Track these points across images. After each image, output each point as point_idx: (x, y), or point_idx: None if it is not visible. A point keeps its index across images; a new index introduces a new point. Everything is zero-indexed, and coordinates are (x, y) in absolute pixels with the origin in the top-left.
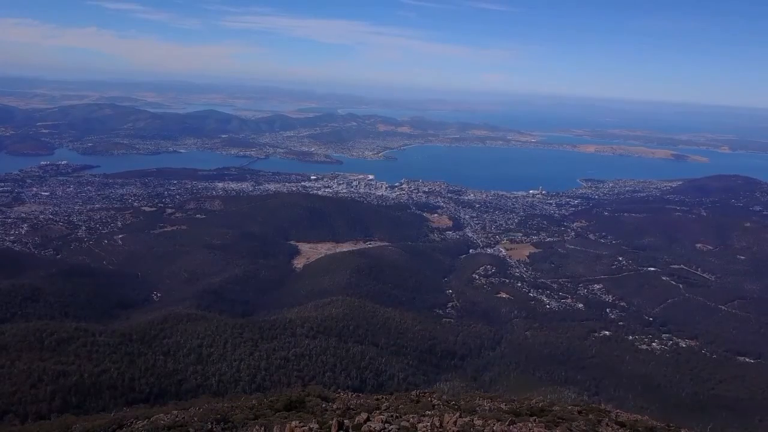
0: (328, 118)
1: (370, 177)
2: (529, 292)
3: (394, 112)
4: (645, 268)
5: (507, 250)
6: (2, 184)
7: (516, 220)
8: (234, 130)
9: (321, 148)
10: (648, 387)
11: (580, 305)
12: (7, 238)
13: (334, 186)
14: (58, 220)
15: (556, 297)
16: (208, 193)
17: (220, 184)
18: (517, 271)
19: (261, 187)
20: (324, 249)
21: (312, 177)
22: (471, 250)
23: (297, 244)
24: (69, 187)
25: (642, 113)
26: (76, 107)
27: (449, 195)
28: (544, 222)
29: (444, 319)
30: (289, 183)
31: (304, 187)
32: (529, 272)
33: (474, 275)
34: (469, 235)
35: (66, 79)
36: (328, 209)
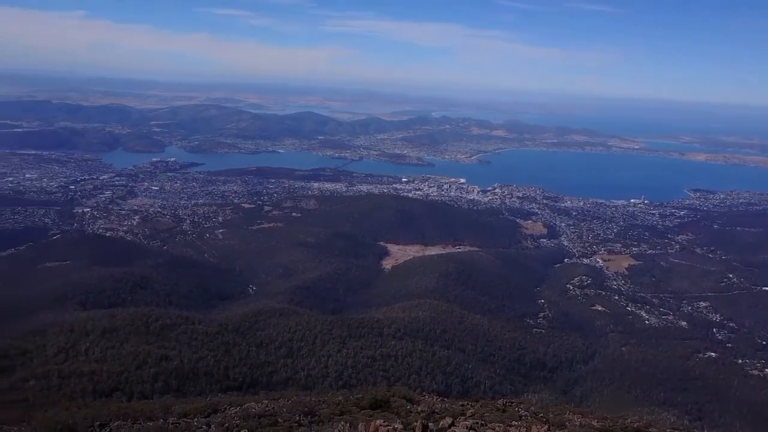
0: (422, 120)
1: (462, 180)
2: (627, 306)
3: (489, 115)
4: (759, 287)
5: (604, 261)
6: (119, 178)
7: (615, 230)
8: (330, 131)
9: (413, 151)
10: (760, 416)
11: (683, 323)
12: (120, 229)
13: (424, 189)
14: (165, 213)
15: (656, 313)
16: (304, 193)
17: (316, 184)
18: (615, 283)
19: (354, 188)
20: (413, 251)
21: (403, 179)
22: (566, 260)
23: (386, 245)
24: (176, 182)
25: (759, 119)
26: (185, 107)
27: (545, 201)
28: (646, 233)
29: (534, 329)
30: (380, 185)
31: (396, 189)
32: (628, 285)
33: (568, 286)
34: (565, 243)
35: (176, 82)
36: (418, 212)
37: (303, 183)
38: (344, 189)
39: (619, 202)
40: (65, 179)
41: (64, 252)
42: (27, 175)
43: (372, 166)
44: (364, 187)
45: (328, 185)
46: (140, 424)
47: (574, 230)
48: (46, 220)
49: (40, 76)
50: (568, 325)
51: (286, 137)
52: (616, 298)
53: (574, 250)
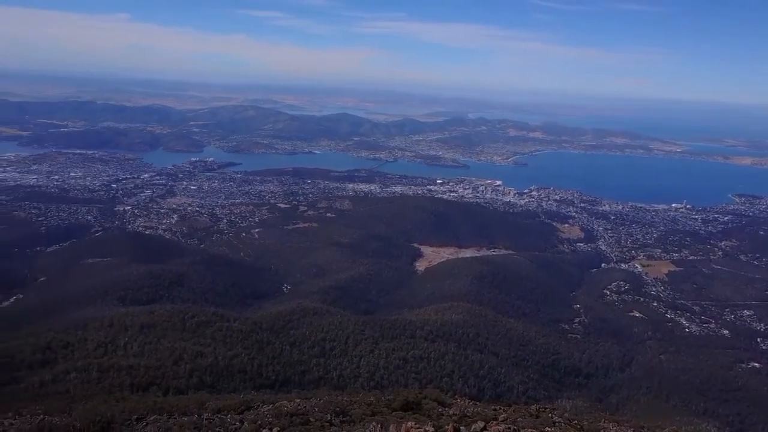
0: (458, 122)
1: (498, 182)
2: (666, 312)
3: (526, 116)
4: None
5: (643, 266)
6: (159, 177)
7: (655, 235)
8: (365, 132)
9: (449, 152)
10: None
11: (726, 332)
12: (159, 227)
13: (459, 190)
14: (203, 212)
15: (697, 321)
16: (339, 193)
17: (350, 185)
18: (654, 289)
19: (388, 189)
20: (446, 253)
21: (438, 181)
22: (603, 264)
23: (420, 246)
24: (214, 182)
25: None
26: (223, 108)
27: (582, 205)
28: (687, 239)
29: (569, 335)
30: (415, 186)
31: (430, 190)
32: (667, 292)
33: (605, 291)
34: (602, 248)
35: (215, 83)
36: (452, 214)
37: (338, 184)
38: (378, 190)
39: (660, 207)
40: (108, 178)
41: (105, 249)
42: (72, 174)
43: (406, 168)
44: (399, 189)
45: (363, 186)
46: (175, 418)
47: (612, 234)
48: (89, 217)
49: (85, 77)
50: (604, 331)
51: (322, 138)
52: (655, 304)
53: (612, 255)
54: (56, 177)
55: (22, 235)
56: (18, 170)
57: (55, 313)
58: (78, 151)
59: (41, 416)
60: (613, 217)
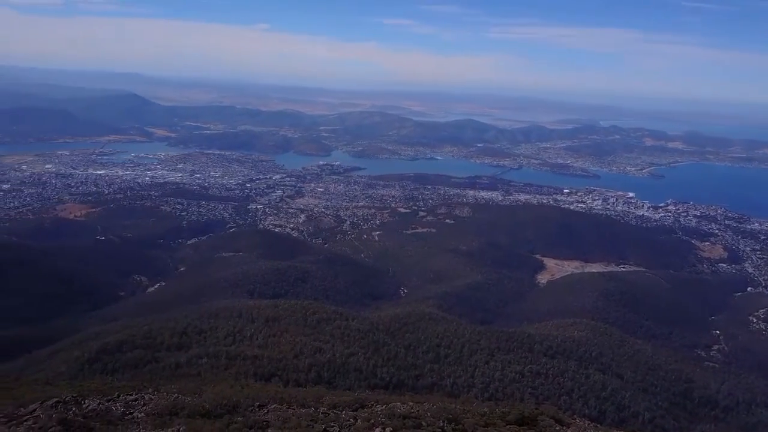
0: (589, 130)
1: (630, 195)
2: None
3: (664, 125)
4: None
5: None
6: (288, 179)
7: None
8: (490, 139)
9: (578, 161)
10: None
11: None
12: (288, 225)
13: (588, 201)
14: (328, 213)
15: None
16: (459, 200)
17: (471, 192)
18: None
19: (510, 197)
20: (571, 267)
21: (565, 190)
22: (749, 288)
23: (542, 258)
24: (340, 185)
25: None
26: (351, 114)
27: (726, 222)
28: None
29: (706, 363)
30: (539, 195)
31: (556, 200)
32: None
33: (751, 318)
34: (749, 270)
35: (344, 89)
36: (579, 225)
37: (459, 190)
38: (500, 198)
39: None
40: (243, 178)
41: (238, 244)
42: (212, 173)
43: (531, 176)
44: (522, 197)
45: (484, 193)
46: (294, 409)
47: (761, 256)
48: (225, 214)
49: (226, 83)
50: (747, 362)
51: (446, 144)
52: None
53: (761, 279)
54: (198, 175)
55: (167, 228)
56: (166, 168)
57: (192, 301)
58: (218, 152)
59: (176, 394)
60: (763, 237)
